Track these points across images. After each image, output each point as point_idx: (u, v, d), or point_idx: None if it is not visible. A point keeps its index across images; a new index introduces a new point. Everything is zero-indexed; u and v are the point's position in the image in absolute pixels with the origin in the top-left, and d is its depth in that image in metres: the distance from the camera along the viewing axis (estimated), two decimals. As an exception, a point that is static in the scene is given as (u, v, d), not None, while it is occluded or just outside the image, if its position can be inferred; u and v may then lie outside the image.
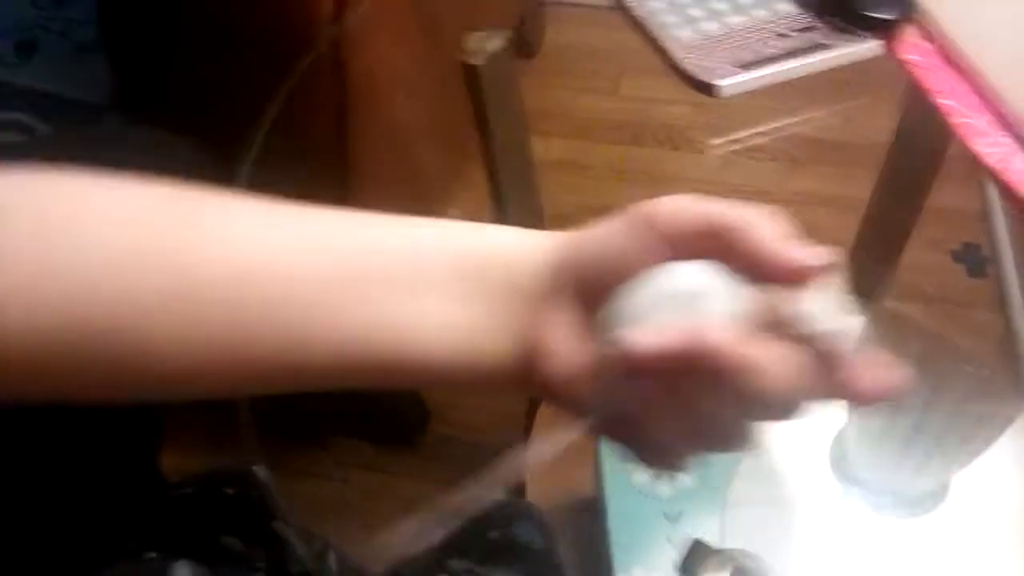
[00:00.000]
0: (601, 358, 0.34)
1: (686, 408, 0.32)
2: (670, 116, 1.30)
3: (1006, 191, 0.50)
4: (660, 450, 0.33)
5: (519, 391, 0.37)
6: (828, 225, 1.20)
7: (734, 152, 1.27)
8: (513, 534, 0.55)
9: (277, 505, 0.56)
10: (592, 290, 0.35)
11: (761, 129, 0.71)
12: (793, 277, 0.32)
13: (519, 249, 0.37)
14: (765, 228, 0.33)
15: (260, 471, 0.58)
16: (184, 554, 0.51)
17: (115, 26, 0.68)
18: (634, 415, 0.33)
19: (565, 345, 0.35)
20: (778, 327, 0.31)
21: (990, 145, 0.52)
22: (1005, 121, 0.53)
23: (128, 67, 0.76)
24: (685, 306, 0.32)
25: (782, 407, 0.32)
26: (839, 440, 0.74)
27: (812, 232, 1.23)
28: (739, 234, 0.33)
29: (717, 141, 0.70)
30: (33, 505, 0.57)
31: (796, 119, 0.68)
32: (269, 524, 0.55)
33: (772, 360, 0.31)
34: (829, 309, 0.32)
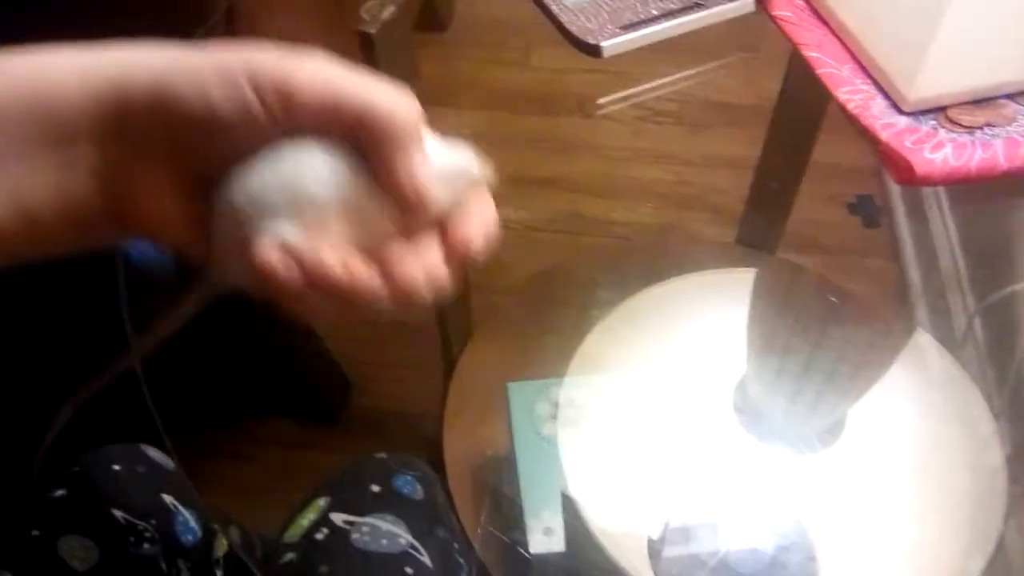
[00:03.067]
0: (221, 247, 0.32)
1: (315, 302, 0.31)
2: (580, 85, 1.33)
3: (864, 133, 0.53)
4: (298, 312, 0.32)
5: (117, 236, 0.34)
6: (731, 186, 1.25)
7: (641, 118, 1.30)
8: (394, 486, 0.57)
9: (167, 479, 0.57)
10: (183, 145, 0.31)
11: (646, 87, 0.74)
12: (405, 206, 0.31)
13: (70, 83, 0.31)
14: (396, 133, 0.31)
15: (149, 449, 0.58)
16: (70, 529, 0.52)
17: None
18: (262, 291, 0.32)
19: (164, 205, 0.32)
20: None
21: (851, 92, 0.55)
22: (865, 68, 0.57)
23: (9, 47, 0.74)
24: (294, 205, 0.31)
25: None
26: (742, 384, 0.78)
27: (717, 193, 1.27)
28: (369, 136, 0.31)
29: (604, 100, 0.72)
30: None
31: (675, 78, 0.70)
32: (158, 497, 0.56)
33: (384, 284, 0.31)
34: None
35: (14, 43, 0.32)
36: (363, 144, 0.31)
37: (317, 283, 0.30)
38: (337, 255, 0.30)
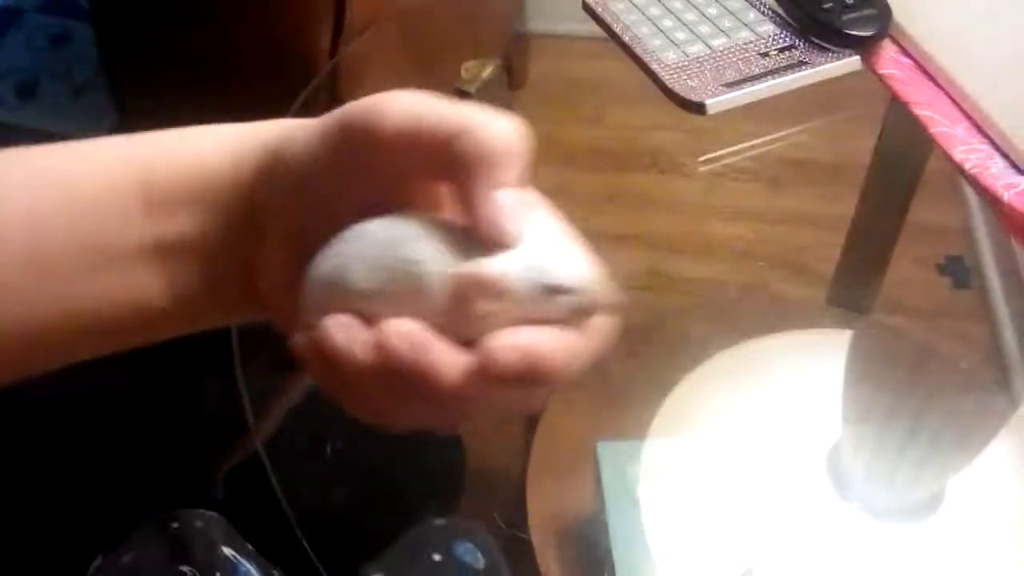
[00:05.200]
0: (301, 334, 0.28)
1: (387, 404, 0.27)
2: (654, 142, 1.33)
3: (984, 195, 0.52)
4: (374, 418, 0.28)
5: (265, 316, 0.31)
6: (813, 244, 1.23)
7: (718, 174, 1.29)
8: (455, 555, 0.56)
9: (223, 531, 0.57)
10: (301, 219, 0.29)
11: (746, 145, 0.73)
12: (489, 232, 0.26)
13: (216, 167, 0.30)
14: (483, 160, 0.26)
15: (205, 513, 0.58)
16: None
17: (117, 64, 0.70)
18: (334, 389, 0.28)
19: (278, 286, 0.30)
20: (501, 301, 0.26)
21: (968, 152, 0.54)
22: (981, 128, 0.55)
23: (130, 106, 0.78)
24: (397, 283, 0.27)
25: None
26: (835, 450, 0.75)
27: (799, 251, 1.25)
28: (454, 161, 0.27)
29: (704, 157, 0.71)
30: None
31: (778, 135, 0.70)
32: (218, 549, 0.56)
33: (487, 398, 0.26)
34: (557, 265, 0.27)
35: (162, 111, 0.32)
36: (452, 177, 0.27)
37: (387, 365, 0.25)
38: (408, 332, 0.25)
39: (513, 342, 0.26)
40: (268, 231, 0.30)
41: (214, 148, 0.31)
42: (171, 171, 0.30)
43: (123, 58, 0.71)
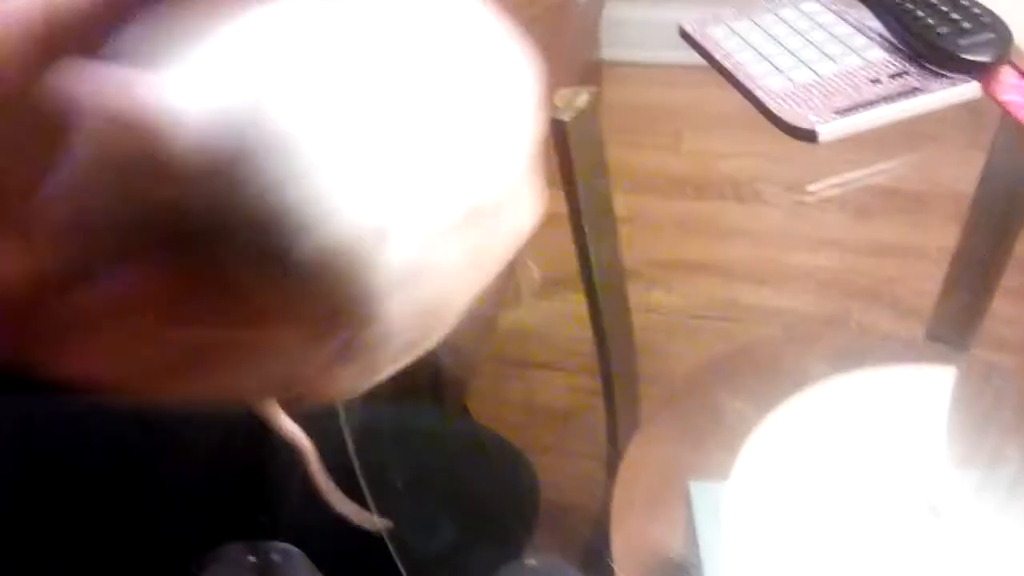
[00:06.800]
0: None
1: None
2: (732, 170, 1.30)
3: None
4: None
5: None
6: (902, 274, 1.19)
7: (801, 203, 1.26)
8: None
9: (299, 565, 0.56)
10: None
11: (855, 175, 0.71)
12: None
13: None
14: None
15: (283, 546, 0.58)
16: None
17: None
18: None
19: None
20: None
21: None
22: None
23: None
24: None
25: None
26: (937, 494, 0.72)
27: (888, 283, 1.21)
28: None
29: (812, 187, 0.69)
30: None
31: (887, 166, 0.67)
32: None
33: None
34: None
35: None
36: None
37: None
38: None
39: None
40: None
41: None
42: None
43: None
